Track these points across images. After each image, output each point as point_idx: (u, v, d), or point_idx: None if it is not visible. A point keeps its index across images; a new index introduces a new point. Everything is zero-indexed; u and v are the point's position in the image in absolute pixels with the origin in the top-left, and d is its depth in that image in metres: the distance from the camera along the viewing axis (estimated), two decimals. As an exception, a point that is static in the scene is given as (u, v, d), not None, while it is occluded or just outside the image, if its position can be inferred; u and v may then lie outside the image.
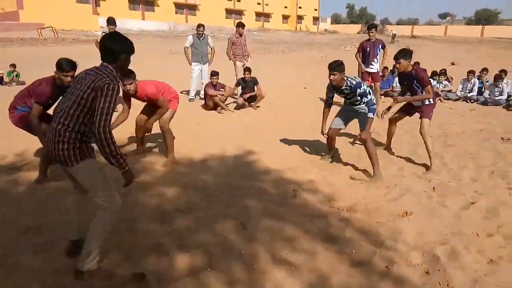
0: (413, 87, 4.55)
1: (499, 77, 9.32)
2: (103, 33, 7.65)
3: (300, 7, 61.04)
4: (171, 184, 3.95)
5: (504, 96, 9.16)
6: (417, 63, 6.44)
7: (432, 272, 2.55)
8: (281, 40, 36.61)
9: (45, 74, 4.09)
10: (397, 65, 4.46)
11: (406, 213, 3.40)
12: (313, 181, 4.14)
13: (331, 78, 4.18)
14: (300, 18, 61.62)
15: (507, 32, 50.36)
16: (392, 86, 10.43)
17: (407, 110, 4.85)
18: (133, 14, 42.33)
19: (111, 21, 7.29)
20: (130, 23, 38.70)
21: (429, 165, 4.58)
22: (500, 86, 9.21)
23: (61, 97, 3.30)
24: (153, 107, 4.54)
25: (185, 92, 9.59)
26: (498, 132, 6.24)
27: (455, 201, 3.65)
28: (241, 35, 8.84)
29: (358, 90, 4.20)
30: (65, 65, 3.64)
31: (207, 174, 4.28)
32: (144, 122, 4.62)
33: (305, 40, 37.09)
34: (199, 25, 8.69)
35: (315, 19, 64.96)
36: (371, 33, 7.66)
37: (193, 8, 48.40)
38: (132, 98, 4.48)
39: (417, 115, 4.75)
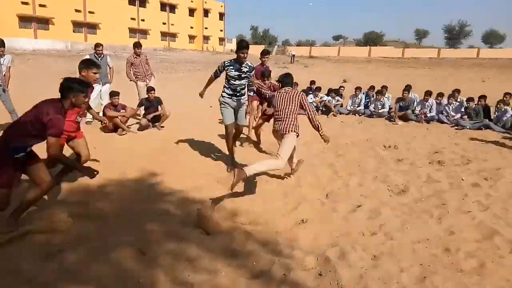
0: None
1: (380, 92, 10.59)
2: None
3: (206, 28, 61.89)
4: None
5: (386, 109, 10.41)
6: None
7: (324, 273, 2.74)
8: (187, 60, 36.60)
9: None
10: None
11: (303, 220, 3.62)
12: (217, 199, 4.17)
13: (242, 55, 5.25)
14: (206, 38, 62.40)
15: (390, 52, 57.82)
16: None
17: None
18: (24, 33, 38.49)
19: None
20: (21, 42, 35.15)
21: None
22: (382, 100, 10.45)
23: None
24: None
25: (82, 115, 8.96)
26: (380, 140, 7.04)
27: (344, 205, 4.00)
28: (139, 55, 8.66)
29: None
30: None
31: (104, 201, 4.02)
32: None
33: (212, 60, 37.63)
34: (98, 44, 8.26)
35: (221, 40, 66.43)
36: (264, 59, 7.26)
37: (93, 27, 45.79)
38: None
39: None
